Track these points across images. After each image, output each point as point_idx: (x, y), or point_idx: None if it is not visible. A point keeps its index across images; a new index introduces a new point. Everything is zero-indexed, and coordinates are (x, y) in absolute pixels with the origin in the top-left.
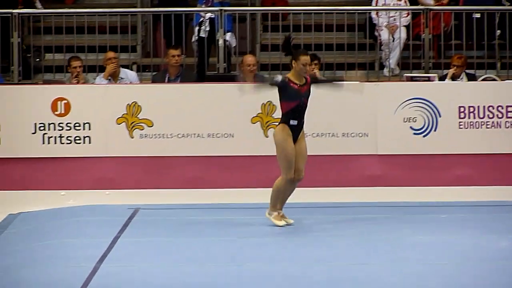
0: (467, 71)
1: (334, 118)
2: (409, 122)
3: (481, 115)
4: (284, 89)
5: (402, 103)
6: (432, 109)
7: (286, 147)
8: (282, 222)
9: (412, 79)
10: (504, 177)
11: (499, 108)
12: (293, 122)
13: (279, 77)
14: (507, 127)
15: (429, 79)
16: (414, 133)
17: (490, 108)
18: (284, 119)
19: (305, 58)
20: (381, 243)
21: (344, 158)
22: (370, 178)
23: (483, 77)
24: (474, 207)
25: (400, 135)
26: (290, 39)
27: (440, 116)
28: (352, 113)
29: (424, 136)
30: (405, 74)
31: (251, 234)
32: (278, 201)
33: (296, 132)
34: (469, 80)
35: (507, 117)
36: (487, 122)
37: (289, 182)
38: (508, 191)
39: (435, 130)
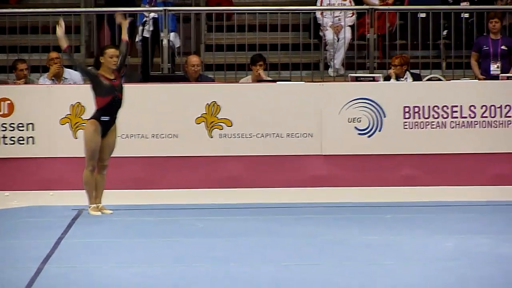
0: (412, 71)
1: (278, 118)
2: (354, 122)
3: (426, 115)
4: (96, 82)
5: (347, 103)
6: (376, 109)
7: (91, 139)
8: (98, 213)
9: (357, 79)
10: (449, 177)
11: (444, 108)
12: (104, 118)
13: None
14: (452, 127)
15: (374, 79)
16: (359, 133)
17: (435, 108)
18: (96, 115)
19: (112, 51)
20: (328, 243)
21: (289, 158)
22: (315, 178)
23: (428, 77)
24: (419, 207)
25: (345, 136)
26: None
27: (385, 116)
28: (297, 113)
29: (369, 136)
30: (350, 74)
31: (197, 235)
32: (91, 193)
33: (107, 126)
34: (414, 80)
35: (452, 117)
36: (432, 122)
37: (91, 171)
38: (454, 191)
39: (379, 131)
